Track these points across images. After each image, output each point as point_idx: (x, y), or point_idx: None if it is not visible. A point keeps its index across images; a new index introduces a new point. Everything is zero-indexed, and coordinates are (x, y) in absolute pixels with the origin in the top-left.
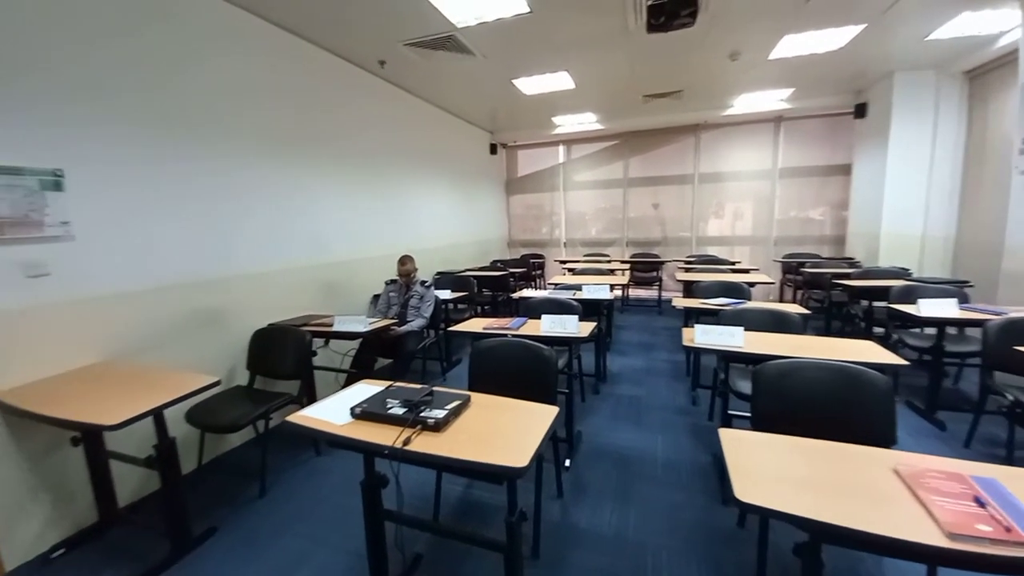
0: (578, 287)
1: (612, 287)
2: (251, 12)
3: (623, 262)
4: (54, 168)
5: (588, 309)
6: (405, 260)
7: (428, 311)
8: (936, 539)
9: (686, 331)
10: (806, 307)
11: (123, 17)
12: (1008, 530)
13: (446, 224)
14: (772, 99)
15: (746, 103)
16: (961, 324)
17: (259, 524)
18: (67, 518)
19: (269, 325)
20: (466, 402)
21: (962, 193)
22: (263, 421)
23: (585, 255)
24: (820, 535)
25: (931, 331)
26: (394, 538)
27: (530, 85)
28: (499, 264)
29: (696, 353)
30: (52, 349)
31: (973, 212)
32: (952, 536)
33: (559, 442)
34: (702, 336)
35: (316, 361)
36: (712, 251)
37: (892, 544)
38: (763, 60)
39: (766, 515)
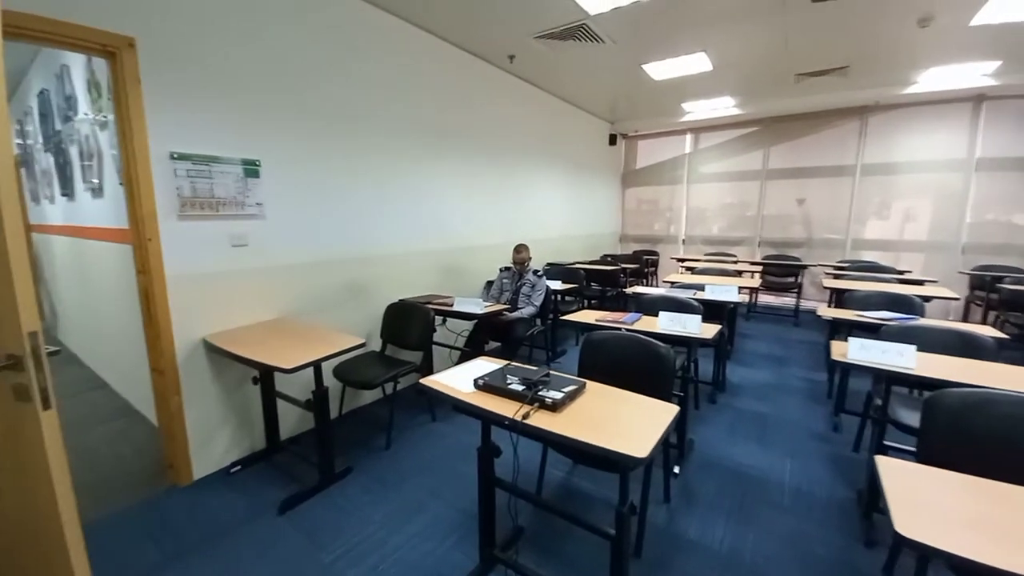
0: (700, 287)
1: (740, 289)
2: (393, 14)
3: (753, 263)
4: (255, 158)
5: (709, 311)
6: (521, 248)
7: (539, 300)
8: None
9: (836, 344)
10: (1002, 331)
11: (296, 31)
12: None
13: (559, 215)
14: (972, 74)
15: (935, 79)
16: None
17: (385, 470)
18: (245, 442)
19: (400, 300)
20: (582, 388)
21: None
22: (392, 383)
23: (707, 254)
24: None
25: None
26: (505, 505)
27: (661, 70)
28: (609, 258)
29: (844, 373)
30: (243, 305)
31: None
32: None
33: (669, 447)
34: (858, 352)
35: (436, 337)
36: (870, 257)
37: None
38: (963, 26)
39: (930, 554)
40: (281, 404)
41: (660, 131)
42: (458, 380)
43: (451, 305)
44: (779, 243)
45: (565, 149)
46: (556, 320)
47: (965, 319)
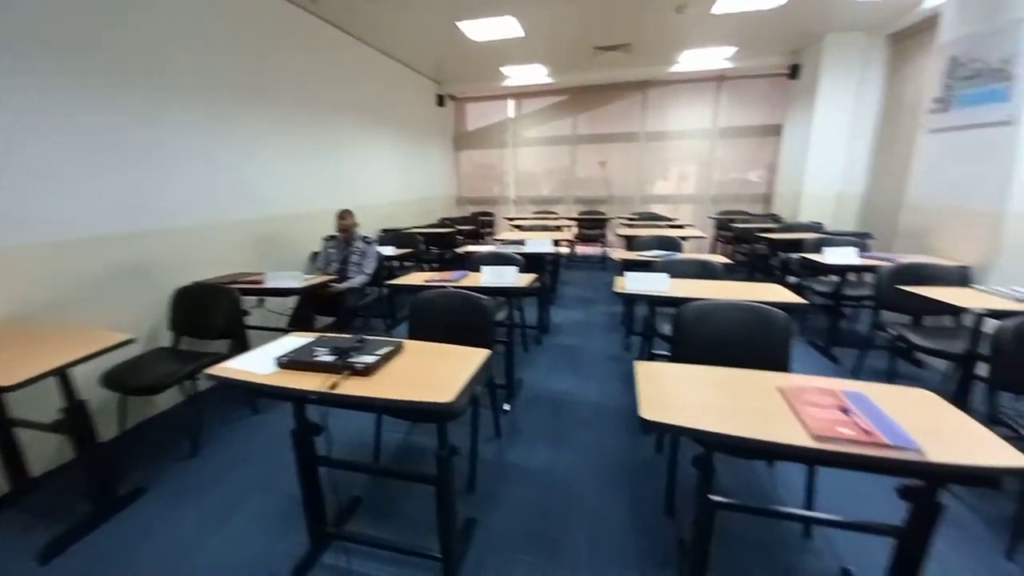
0: (522, 242)
1: (556, 242)
2: None
3: (570, 219)
4: None
5: (532, 263)
6: (344, 214)
7: (371, 267)
8: (804, 441)
9: (618, 280)
10: (733, 260)
11: None
12: (867, 432)
13: (391, 180)
14: (716, 57)
15: (691, 60)
16: (858, 270)
17: (190, 479)
18: None
19: (195, 283)
20: (398, 348)
21: (875, 152)
22: (191, 381)
23: (535, 213)
24: (711, 445)
25: (835, 278)
26: (328, 482)
27: (476, 29)
28: (447, 221)
29: (630, 303)
30: None
31: (883, 170)
32: (818, 438)
33: (498, 388)
34: (632, 284)
35: (252, 321)
36: (656, 210)
37: (768, 448)
38: (707, 13)
39: (664, 430)
40: (25, 433)
41: (485, 95)
42: (257, 362)
43: (263, 283)
44: (590, 201)
45: (393, 109)
46: (387, 284)
47: (713, 253)
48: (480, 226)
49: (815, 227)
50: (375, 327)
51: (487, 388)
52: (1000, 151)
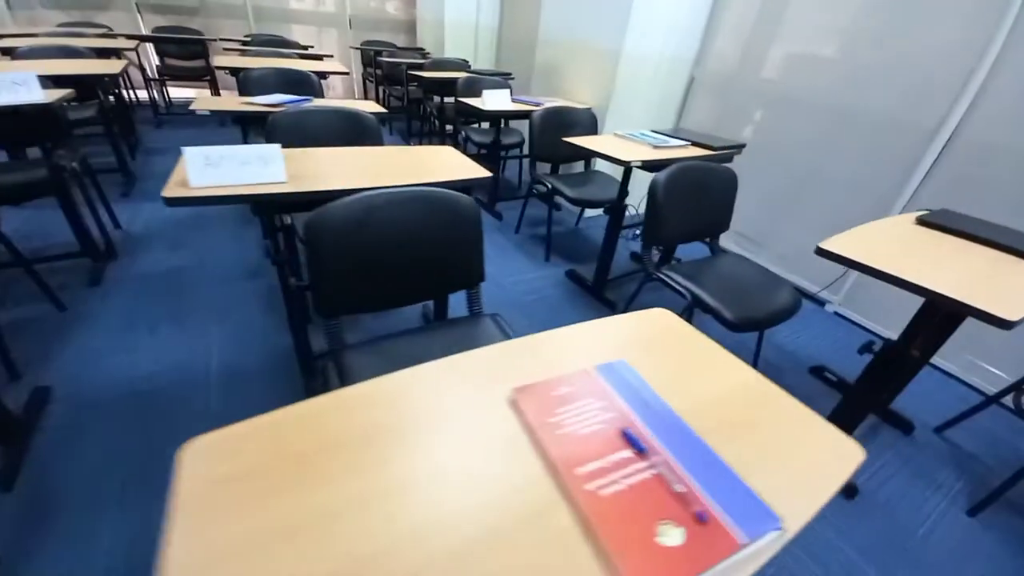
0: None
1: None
2: None
3: (137, 38)
4: None
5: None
6: None
7: None
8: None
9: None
10: (387, 105)
11: None
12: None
13: None
14: None
15: None
16: (516, 116)
17: None
18: None
19: None
20: None
21: None
22: None
23: (60, 24)
24: None
25: (487, 125)
26: None
27: None
28: None
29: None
30: None
31: (514, 2)
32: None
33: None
34: (200, 173)
35: None
36: (289, 34)
37: None
38: None
39: None
40: None
41: None
42: None
43: None
44: (165, 8)
45: None
46: None
47: (365, 96)
48: None
49: (463, 65)
50: None
51: None
52: None
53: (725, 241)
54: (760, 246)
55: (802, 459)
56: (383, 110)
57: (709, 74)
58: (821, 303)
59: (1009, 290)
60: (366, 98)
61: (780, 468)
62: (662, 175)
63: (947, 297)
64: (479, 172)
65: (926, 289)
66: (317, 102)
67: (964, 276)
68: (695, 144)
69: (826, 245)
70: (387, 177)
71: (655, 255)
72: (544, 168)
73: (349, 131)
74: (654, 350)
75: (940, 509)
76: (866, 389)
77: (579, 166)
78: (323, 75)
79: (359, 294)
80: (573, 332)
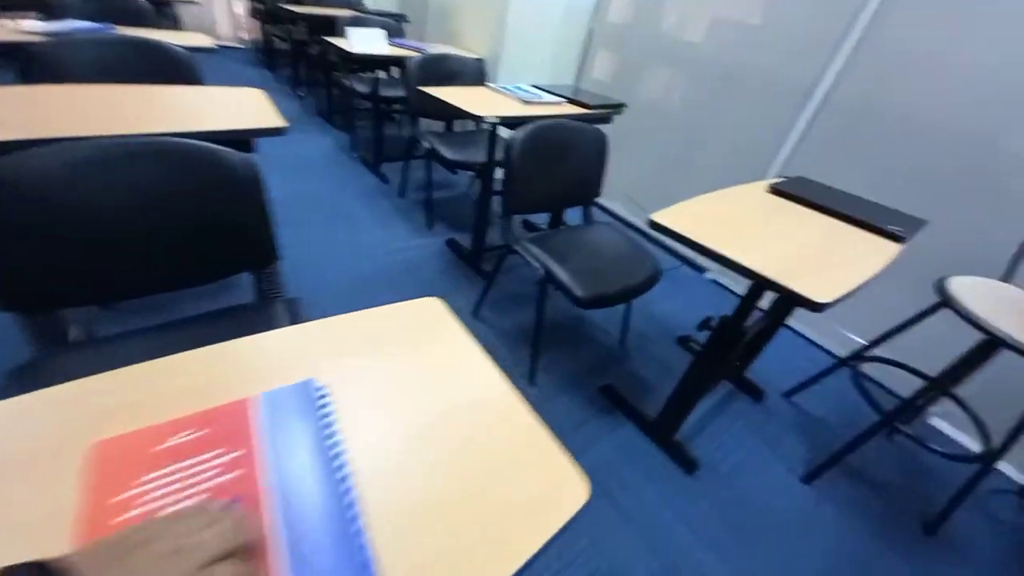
0: None
1: None
2: None
3: None
4: None
5: None
6: None
7: None
8: None
9: None
10: (270, 47)
11: None
12: None
13: None
14: None
15: None
16: (387, 62)
17: None
18: None
19: None
20: None
21: None
22: None
23: None
24: None
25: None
26: None
27: None
28: None
29: None
30: None
31: None
32: None
33: None
34: None
35: None
36: None
37: None
38: None
39: None
40: None
41: None
42: None
43: None
44: None
45: None
46: None
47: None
48: None
49: (355, 3)
50: None
51: None
52: None
53: (613, 204)
54: (647, 211)
55: (523, 492)
56: (210, 44)
57: (607, 26)
58: (700, 270)
59: (832, 267)
60: (263, 40)
61: (497, 499)
62: (518, 133)
63: (766, 278)
64: (272, 122)
65: (748, 269)
66: (123, 31)
67: (795, 250)
68: (571, 101)
69: (659, 217)
70: (147, 124)
71: (515, 222)
72: (438, 127)
73: (153, 68)
74: (402, 350)
75: (781, 479)
76: (705, 365)
77: (473, 124)
78: (163, 2)
79: (69, 280)
80: (295, 333)
